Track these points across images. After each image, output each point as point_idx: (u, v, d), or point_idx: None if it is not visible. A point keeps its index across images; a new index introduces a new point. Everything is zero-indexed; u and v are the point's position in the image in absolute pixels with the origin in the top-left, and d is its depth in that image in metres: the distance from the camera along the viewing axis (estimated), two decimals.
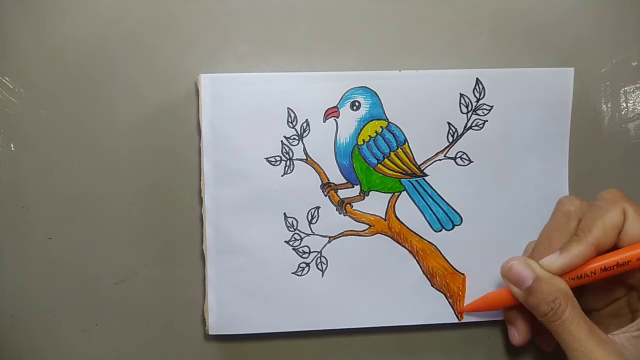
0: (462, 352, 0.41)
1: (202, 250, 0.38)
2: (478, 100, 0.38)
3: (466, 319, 0.39)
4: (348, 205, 0.38)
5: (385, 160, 0.38)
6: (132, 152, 0.38)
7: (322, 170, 0.38)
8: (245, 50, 0.38)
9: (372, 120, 0.38)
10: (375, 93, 0.38)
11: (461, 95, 0.38)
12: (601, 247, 0.33)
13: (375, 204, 0.38)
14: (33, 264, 0.38)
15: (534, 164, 0.39)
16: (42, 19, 0.37)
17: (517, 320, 0.37)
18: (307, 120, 0.37)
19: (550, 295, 0.33)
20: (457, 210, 0.39)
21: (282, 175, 0.38)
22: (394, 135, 0.38)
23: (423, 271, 0.39)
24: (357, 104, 0.38)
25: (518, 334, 0.37)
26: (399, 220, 0.38)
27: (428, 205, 0.38)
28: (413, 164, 0.38)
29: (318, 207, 0.38)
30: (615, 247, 0.34)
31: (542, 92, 0.36)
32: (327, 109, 0.38)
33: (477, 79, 0.38)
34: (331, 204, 0.38)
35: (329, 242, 0.38)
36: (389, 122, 0.38)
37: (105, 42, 0.38)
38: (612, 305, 0.36)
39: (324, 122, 0.38)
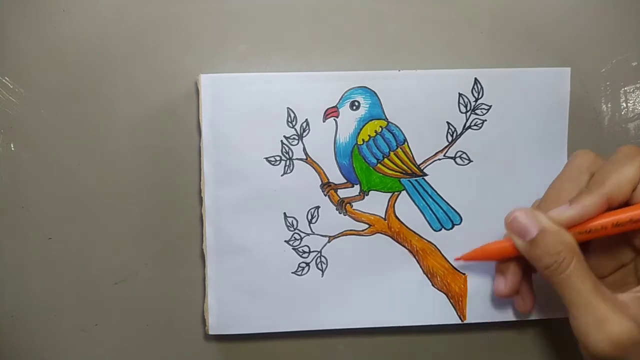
0: (464, 353, 0.41)
1: (202, 250, 0.38)
2: (477, 100, 0.38)
3: (469, 319, 0.39)
4: (348, 204, 0.38)
5: (385, 160, 0.38)
6: (132, 152, 0.38)
7: (322, 170, 0.38)
8: (245, 50, 0.38)
9: (372, 120, 0.38)
10: (375, 93, 0.38)
11: (460, 95, 0.38)
12: (613, 201, 0.32)
13: (375, 203, 0.38)
14: (33, 264, 0.38)
15: (533, 163, 0.39)
16: (42, 19, 0.37)
17: (508, 272, 0.36)
18: (306, 120, 0.37)
19: (556, 247, 0.31)
20: (457, 210, 0.39)
21: (282, 175, 0.38)
22: (393, 135, 0.38)
23: (423, 271, 0.39)
24: (356, 103, 0.38)
25: (505, 285, 0.36)
26: (398, 219, 0.38)
27: (428, 205, 0.38)
28: (413, 164, 0.38)
29: (318, 207, 0.38)
30: (627, 205, 0.32)
31: (539, 92, 0.36)
32: (326, 108, 0.38)
33: (476, 78, 0.38)
34: (331, 204, 0.38)
35: (328, 241, 0.38)
36: (388, 122, 0.38)
37: (105, 42, 0.38)
38: (618, 272, 0.35)
39: (324, 121, 0.38)
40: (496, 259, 0.37)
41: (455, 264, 0.39)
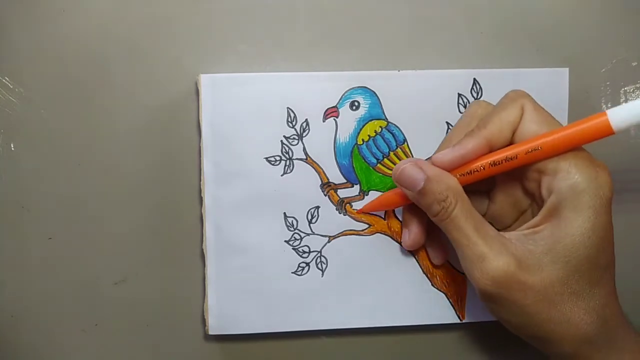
0: (463, 353, 0.41)
1: (202, 250, 0.38)
2: (476, 100, 0.38)
3: (467, 319, 0.39)
4: (348, 204, 0.38)
5: (385, 159, 0.38)
6: (132, 152, 0.38)
7: (322, 169, 0.38)
8: (245, 50, 0.38)
9: (372, 120, 0.38)
10: (375, 93, 0.38)
11: (459, 95, 0.38)
12: (495, 143, 0.33)
13: None
14: (33, 264, 0.38)
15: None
16: (42, 19, 0.37)
17: (411, 224, 0.37)
18: (306, 120, 0.38)
19: (442, 194, 0.32)
20: None
21: (281, 175, 0.38)
22: (393, 135, 0.38)
23: (423, 270, 0.39)
24: (356, 103, 0.38)
25: (409, 235, 0.37)
26: (398, 219, 0.38)
27: None
28: None
29: (318, 207, 0.38)
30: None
31: (538, 92, 0.36)
32: (326, 108, 0.38)
33: (475, 79, 0.38)
34: (331, 204, 0.38)
35: (328, 241, 0.38)
36: (388, 122, 0.38)
37: (105, 42, 0.38)
38: (519, 219, 0.35)
39: (324, 121, 0.38)
40: (395, 207, 0.38)
41: (455, 263, 0.39)
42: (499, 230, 0.33)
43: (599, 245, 0.30)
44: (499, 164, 0.33)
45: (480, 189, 0.36)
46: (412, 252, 0.39)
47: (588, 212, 0.30)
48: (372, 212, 0.38)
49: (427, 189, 0.33)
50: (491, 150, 0.33)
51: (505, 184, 0.35)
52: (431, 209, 0.33)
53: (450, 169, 0.33)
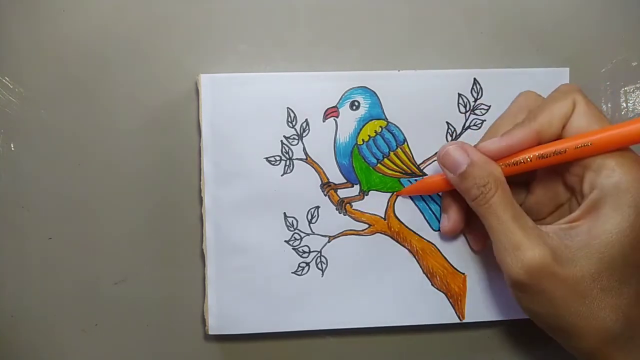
0: (463, 352, 0.41)
1: (202, 250, 0.38)
2: (476, 100, 0.38)
3: (467, 319, 0.39)
4: (348, 204, 0.38)
5: (385, 160, 0.38)
6: (132, 152, 0.38)
7: (322, 169, 0.38)
8: (245, 50, 0.38)
9: (372, 120, 0.38)
10: (375, 93, 0.38)
11: (459, 95, 0.38)
12: (544, 135, 0.33)
13: (375, 203, 0.38)
14: (33, 264, 0.38)
15: None
16: (42, 19, 0.37)
17: (450, 209, 0.37)
18: (306, 120, 0.38)
19: (482, 179, 0.32)
20: None
21: (282, 175, 0.38)
22: (393, 135, 0.38)
23: (423, 270, 0.39)
24: (356, 103, 0.38)
25: (448, 221, 0.37)
26: (398, 219, 0.38)
27: (427, 205, 0.38)
28: (412, 164, 0.38)
29: (318, 207, 0.38)
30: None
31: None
32: (326, 108, 0.38)
33: (475, 79, 0.38)
34: (331, 204, 0.38)
35: (328, 241, 0.38)
36: (388, 122, 0.38)
37: (105, 42, 0.38)
38: (555, 212, 0.36)
39: (324, 121, 0.38)
40: (433, 192, 0.38)
41: (455, 263, 0.39)
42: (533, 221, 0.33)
43: (634, 245, 0.31)
44: (546, 157, 0.33)
45: (519, 180, 0.36)
46: (412, 252, 0.39)
47: (628, 211, 0.30)
48: (410, 194, 0.38)
49: (468, 172, 0.33)
50: (539, 142, 0.33)
51: (546, 177, 0.35)
52: (470, 192, 0.33)
53: (496, 158, 0.34)
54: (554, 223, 0.33)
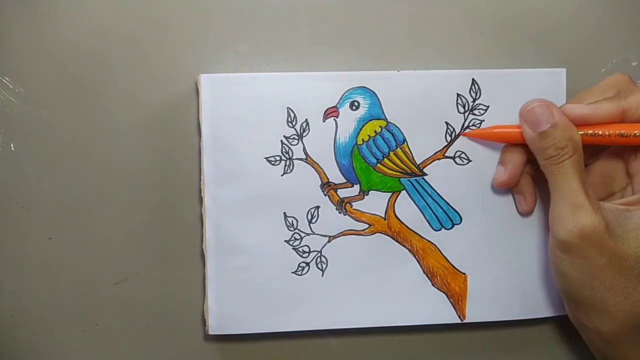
0: (463, 353, 0.41)
1: (202, 250, 0.38)
2: (474, 100, 0.38)
3: (468, 319, 0.39)
4: (348, 204, 0.38)
5: (385, 159, 0.38)
6: (132, 152, 0.38)
7: (322, 169, 0.38)
8: (245, 50, 0.38)
9: (372, 120, 0.38)
10: (374, 93, 0.38)
11: (458, 95, 0.38)
12: (629, 115, 0.34)
13: (375, 203, 0.38)
14: (33, 264, 0.38)
15: None
16: (42, 19, 0.37)
17: (511, 163, 0.37)
18: (306, 120, 0.38)
19: (562, 142, 0.33)
20: (457, 210, 0.39)
21: (281, 175, 0.38)
22: (393, 135, 0.38)
23: (423, 270, 0.39)
24: (356, 103, 0.38)
25: (504, 173, 0.37)
26: (398, 219, 0.38)
27: (427, 205, 0.38)
28: (412, 164, 0.38)
29: (318, 207, 0.38)
30: None
31: (536, 93, 0.36)
32: (326, 108, 0.38)
33: (473, 79, 0.38)
34: (331, 204, 0.38)
35: (328, 241, 0.38)
36: (388, 122, 0.38)
37: (105, 42, 0.38)
38: (608, 198, 0.36)
39: (324, 121, 0.38)
40: (500, 141, 0.38)
41: (455, 263, 0.39)
42: None
43: None
44: (626, 136, 0.34)
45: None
46: (413, 252, 0.39)
47: None
48: (476, 137, 0.38)
49: (549, 132, 0.33)
50: (621, 122, 0.34)
51: (609, 159, 0.36)
52: (545, 152, 0.33)
53: (576, 123, 0.34)
54: (607, 201, 0.34)
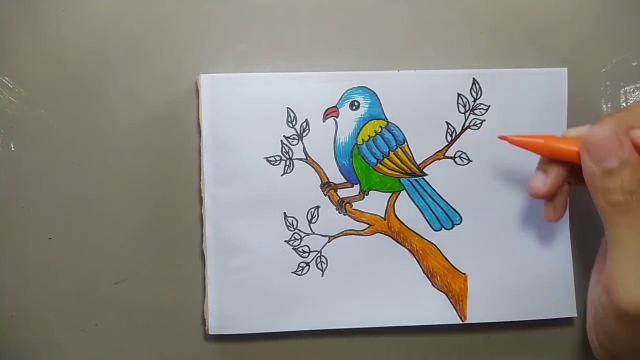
0: (463, 353, 0.41)
1: (202, 250, 0.38)
2: (475, 100, 0.38)
3: (469, 319, 0.39)
4: (348, 204, 0.38)
5: (385, 159, 0.38)
6: (132, 152, 0.38)
7: (322, 169, 0.38)
8: (245, 50, 0.38)
9: (372, 120, 0.38)
10: (375, 93, 0.38)
11: (459, 95, 0.38)
12: None
13: (375, 203, 0.38)
14: (33, 264, 0.38)
15: (532, 162, 0.38)
16: (42, 19, 0.37)
17: (552, 173, 0.32)
18: (306, 120, 0.38)
19: (631, 185, 0.27)
20: (457, 210, 0.39)
21: (281, 175, 0.38)
22: (393, 135, 0.38)
23: (423, 270, 0.39)
24: (356, 103, 0.38)
25: (544, 184, 0.32)
26: (398, 219, 0.38)
27: (427, 205, 0.38)
28: (412, 164, 0.38)
29: (318, 207, 0.38)
30: None
31: (537, 92, 0.36)
32: (326, 108, 0.38)
33: (474, 79, 0.38)
34: (331, 204, 0.38)
35: (328, 241, 0.38)
36: (388, 122, 0.38)
37: (105, 42, 0.38)
38: None
39: (324, 121, 0.38)
40: (552, 156, 0.32)
41: (455, 263, 0.39)
42: None
43: None
44: None
45: None
46: (413, 252, 0.38)
47: None
48: (523, 146, 0.33)
49: (616, 172, 0.27)
50: None
51: None
52: (609, 195, 0.27)
53: None
54: None
